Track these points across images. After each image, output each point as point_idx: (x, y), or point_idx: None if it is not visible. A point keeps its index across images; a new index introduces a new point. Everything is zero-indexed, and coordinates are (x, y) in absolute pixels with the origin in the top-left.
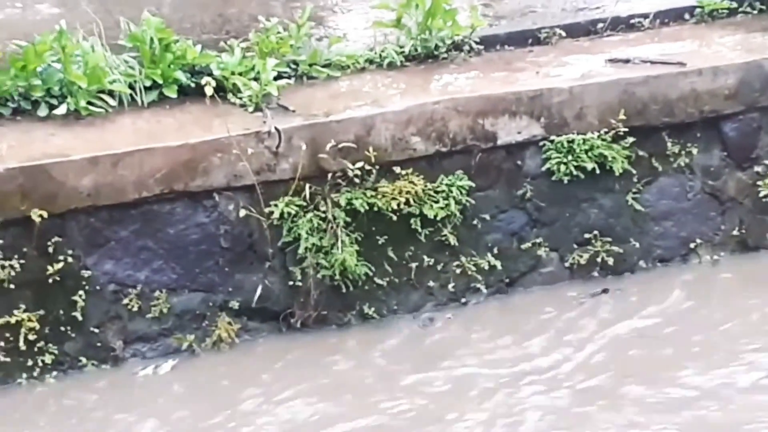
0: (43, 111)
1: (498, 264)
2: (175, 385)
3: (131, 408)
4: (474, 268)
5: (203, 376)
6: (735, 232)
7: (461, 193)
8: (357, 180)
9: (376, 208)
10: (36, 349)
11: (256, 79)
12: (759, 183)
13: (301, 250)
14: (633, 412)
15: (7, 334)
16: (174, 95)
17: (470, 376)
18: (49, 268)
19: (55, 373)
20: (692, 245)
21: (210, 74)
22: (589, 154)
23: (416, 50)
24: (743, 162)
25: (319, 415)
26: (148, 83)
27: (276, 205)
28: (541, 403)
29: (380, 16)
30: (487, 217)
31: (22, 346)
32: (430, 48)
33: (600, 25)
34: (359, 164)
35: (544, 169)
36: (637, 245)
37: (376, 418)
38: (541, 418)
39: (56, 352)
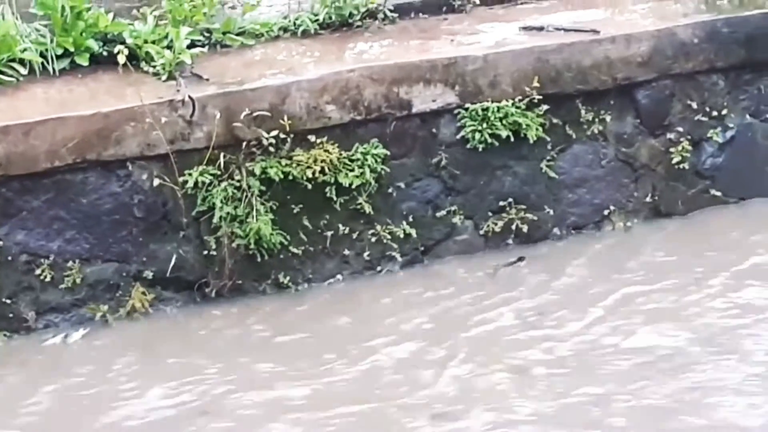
0: None
1: (413, 232)
2: (84, 353)
3: (37, 376)
4: (389, 237)
5: (115, 345)
6: (648, 199)
7: (376, 161)
8: (272, 149)
9: (291, 177)
10: None
11: (169, 47)
12: (671, 150)
13: (215, 220)
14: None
15: None
16: (86, 64)
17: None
18: None
19: None
20: (606, 212)
21: (123, 42)
22: (504, 122)
23: (330, 18)
24: (656, 129)
25: (235, 386)
26: (59, 51)
27: (190, 174)
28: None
29: None
30: (402, 185)
31: None
32: (345, 16)
33: None
34: (274, 133)
35: (458, 137)
36: (552, 213)
37: (286, 389)
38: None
39: None
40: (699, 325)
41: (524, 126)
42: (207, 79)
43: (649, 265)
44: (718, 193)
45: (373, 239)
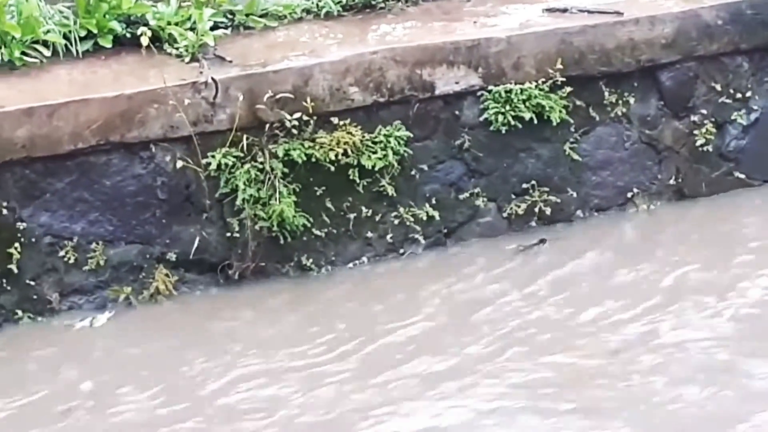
0: None
1: (436, 214)
2: (111, 337)
3: (68, 360)
4: (412, 219)
5: (140, 328)
6: (671, 182)
7: (399, 143)
8: (295, 131)
9: (314, 159)
10: None
11: (192, 29)
12: (695, 132)
13: (238, 202)
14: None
15: None
16: (109, 45)
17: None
18: None
19: None
20: (629, 194)
21: (146, 24)
22: (527, 104)
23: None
24: (680, 111)
25: (259, 368)
26: (83, 33)
27: (213, 156)
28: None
29: None
30: (425, 167)
31: None
32: None
33: None
34: (297, 115)
35: (482, 119)
36: (575, 195)
37: (310, 367)
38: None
39: None
40: (723, 310)
41: (547, 108)
42: (230, 61)
43: (672, 247)
44: (742, 176)
45: (396, 221)
